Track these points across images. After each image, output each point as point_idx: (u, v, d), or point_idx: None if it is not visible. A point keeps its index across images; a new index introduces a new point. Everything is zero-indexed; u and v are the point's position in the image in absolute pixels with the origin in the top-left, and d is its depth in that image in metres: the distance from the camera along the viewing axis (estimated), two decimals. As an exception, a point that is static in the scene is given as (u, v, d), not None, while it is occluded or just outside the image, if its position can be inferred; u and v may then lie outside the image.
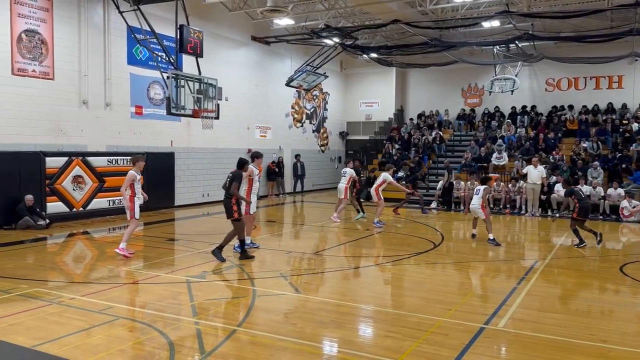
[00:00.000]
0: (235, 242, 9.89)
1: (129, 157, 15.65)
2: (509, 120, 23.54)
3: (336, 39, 20.81)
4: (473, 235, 12.37)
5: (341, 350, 5.32)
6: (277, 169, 22.43)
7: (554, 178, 17.65)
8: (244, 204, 9.76)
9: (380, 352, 5.19)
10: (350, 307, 6.80)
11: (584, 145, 19.86)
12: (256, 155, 10.42)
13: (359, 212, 15.61)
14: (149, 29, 14.07)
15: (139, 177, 9.71)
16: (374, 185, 14.65)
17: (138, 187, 9.72)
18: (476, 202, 12.03)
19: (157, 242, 11.26)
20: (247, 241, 10.23)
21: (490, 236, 11.82)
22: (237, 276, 8.49)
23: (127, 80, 16.21)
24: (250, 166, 9.98)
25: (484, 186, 12.17)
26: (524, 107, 24.12)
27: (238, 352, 5.18)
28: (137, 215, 9.68)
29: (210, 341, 5.46)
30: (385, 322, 6.23)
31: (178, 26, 13.58)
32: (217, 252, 9.37)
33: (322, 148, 26.89)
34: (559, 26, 19.80)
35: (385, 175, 14.58)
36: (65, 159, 14.13)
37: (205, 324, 6.02)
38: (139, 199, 9.77)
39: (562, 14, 17.15)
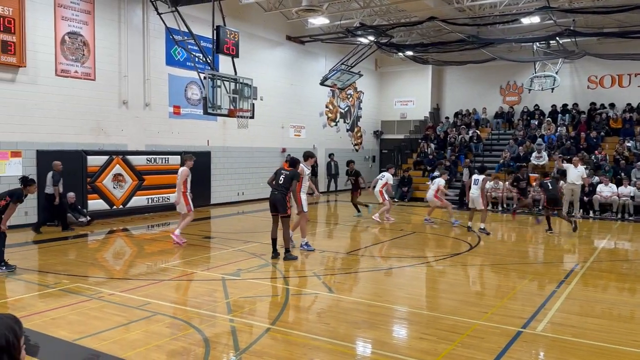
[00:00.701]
0: (302, 240, 10.38)
1: (168, 156, 16.06)
2: (549, 118, 22.95)
3: (371, 38, 20.71)
4: (469, 228, 12.90)
5: (375, 352, 5.29)
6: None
7: (596, 178, 17.13)
8: (293, 202, 10.02)
9: (414, 354, 5.14)
10: (384, 308, 6.76)
11: (628, 144, 19.19)
12: (309, 155, 10.72)
13: (359, 210, 16.02)
14: (186, 30, 14.32)
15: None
16: (432, 192, 14.47)
17: (188, 184, 10.82)
18: (476, 191, 12.56)
19: (194, 240, 11.43)
20: (303, 242, 10.51)
21: (482, 225, 12.56)
22: (271, 275, 8.55)
23: (165, 81, 16.54)
24: (302, 165, 10.25)
25: (482, 176, 12.66)
26: (564, 105, 23.46)
27: (271, 350, 5.21)
28: (192, 207, 10.83)
29: (244, 338, 5.51)
30: (420, 324, 6.16)
31: (215, 27, 13.76)
32: (288, 255, 9.46)
33: (356, 147, 26.82)
34: (602, 22, 19.18)
35: (439, 181, 14.59)
36: (106, 157, 14.52)
37: (240, 321, 6.08)
38: (190, 194, 10.89)
39: (605, 9, 16.61)
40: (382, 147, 28.33)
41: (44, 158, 13.11)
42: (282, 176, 9.50)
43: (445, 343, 5.42)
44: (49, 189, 12.26)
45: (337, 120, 25.21)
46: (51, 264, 9.00)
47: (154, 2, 14.56)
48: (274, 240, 9.62)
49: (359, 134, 26.98)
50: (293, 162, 9.78)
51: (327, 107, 24.45)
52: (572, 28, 18.30)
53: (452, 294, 7.54)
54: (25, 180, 8.58)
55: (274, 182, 9.62)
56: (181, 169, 10.78)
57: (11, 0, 12.35)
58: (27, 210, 12.94)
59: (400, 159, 24.56)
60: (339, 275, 8.71)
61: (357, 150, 26.74)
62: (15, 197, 8.35)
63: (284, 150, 21.12)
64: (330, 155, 23.74)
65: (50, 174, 12.33)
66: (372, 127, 28.05)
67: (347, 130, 26.12)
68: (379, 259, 10.16)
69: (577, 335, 5.71)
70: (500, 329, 5.84)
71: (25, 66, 12.77)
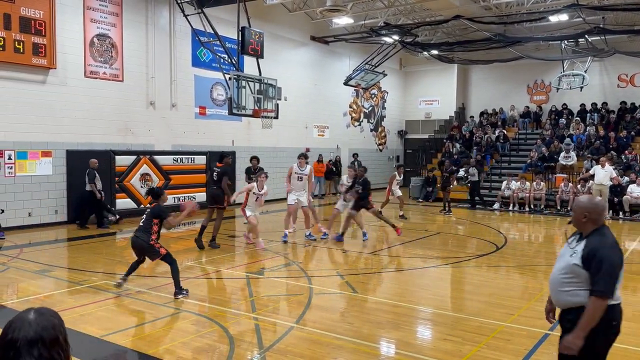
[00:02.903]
0: (307, 231, 11.52)
1: (193, 156, 16.26)
2: (577, 117, 22.49)
3: (395, 37, 20.59)
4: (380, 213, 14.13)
5: (398, 352, 5.27)
6: (334, 168, 22.47)
7: (626, 179, 16.73)
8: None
9: (439, 355, 5.10)
10: (408, 309, 6.72)
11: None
12: (298, 156, 11.65)
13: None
14: (212, 32, 14.45)
15: (255, 190, 10.32)
16: None
17: (252, 199, 10.31)
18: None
19: (218, 239, 11.52)
20: (307, 232, 11.63)
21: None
22: (295, 274, 8.58)
23: (191, 82, 16.73)
24: (294, 165, 11.44)
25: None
26: (593, 104, 22.95)
27: (295, 348, 5.23)
28: (248, 213, 10.45)
29: (268, 337, 5.55)
30: (445, 325, 6.11)
31: (240, 28, 13.86)
32: (212, 244, 10.38)
33: (380, 147, 26.71)
34: (633, 19, 18.72)
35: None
36: (134, 157, 14.76)
37: (264, 319, 6.12)
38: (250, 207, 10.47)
39: (635, 5, 16.20)
40: (407, 147, 28.15)
41: (74, 158, 13.39)
42: (215, 173, 10.41)
43: (470, 344, 5.36)
44: (87, 186, 12.90)
45: (360, 120, 25.14)
46: (80, 262, 9.19)
47: (180, 4, 14.75)
48: (203, 228, 10.40)
49: (383, 134, 26.87)
50: (220, 158, 10.62)
51: (350, 107, 24.42)
52: (601, 26, 17.89)
53: (477, 295, 7.45)
54: (152, 193, 7.99)
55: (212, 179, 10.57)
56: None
57: (42, 4, 12.64)
58: (57, 209, 13.25)
59: (425, 159, 24.37)
60: (362, 275, 8.69)
61: (380, 150, 26.64)
62: (163, 216, 7.62)
63: (307, 150, 21.15)
64: (354, 155, 23.69)
65: (87, 172, 12.93)
66: (396, 126, 27.90)
67: (371, 130, 26.03)
68: (403, 259, 10.10)
69: (606, 338, 5.58)
70: (527, 331, 5.75)
71: (55, 68, 13.06)
